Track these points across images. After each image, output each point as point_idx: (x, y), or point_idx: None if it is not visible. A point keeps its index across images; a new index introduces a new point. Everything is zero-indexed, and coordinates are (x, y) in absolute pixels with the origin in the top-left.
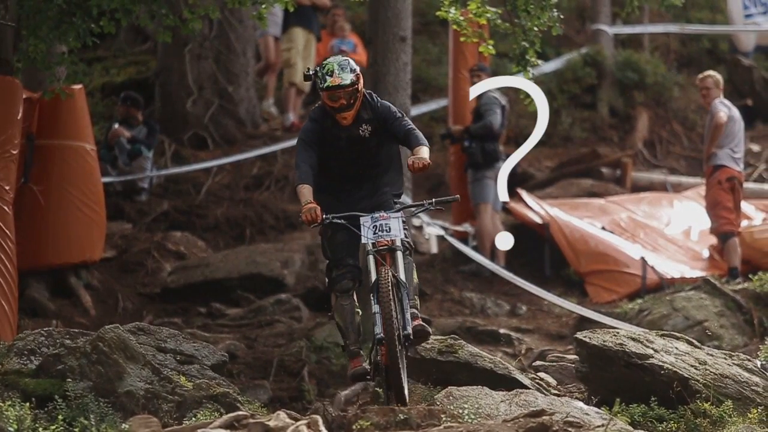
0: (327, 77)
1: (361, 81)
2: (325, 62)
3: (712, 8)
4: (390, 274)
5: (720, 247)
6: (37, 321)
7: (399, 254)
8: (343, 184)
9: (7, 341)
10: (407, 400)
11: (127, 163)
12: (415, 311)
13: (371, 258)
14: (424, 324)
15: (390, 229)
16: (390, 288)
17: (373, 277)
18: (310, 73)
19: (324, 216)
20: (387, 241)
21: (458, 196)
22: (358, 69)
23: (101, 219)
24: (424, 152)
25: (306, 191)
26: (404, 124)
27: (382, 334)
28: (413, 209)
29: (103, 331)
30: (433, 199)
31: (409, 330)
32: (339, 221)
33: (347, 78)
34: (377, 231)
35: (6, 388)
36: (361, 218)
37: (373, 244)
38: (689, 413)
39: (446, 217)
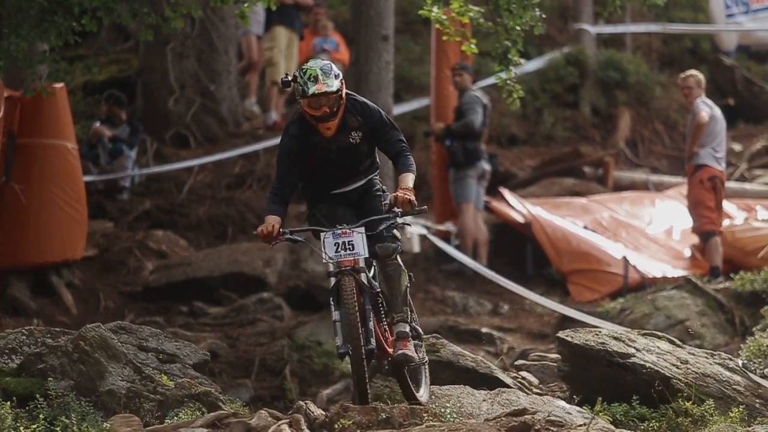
0: (310, 84)
1: (344, 86)
2: (305, 67)
3: (694, 8)
4: (353, 283)
5: (702, 247)
6: (18, 320)
7: (363, 276)
8: (334, 184)
9: None
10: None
11: (109, 162)
12: (403, 328)
13: (333, 282)
14: (407, 353)
15: (353, 246)
16: (354, 298)
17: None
18: (289, 78)
19: (281, 230)
20: (350, 260)
21: (426, 207)
22: (341, 74)
23: (83, 218)
24: (410, 181)
25: (271, 220)
26: (395, 139)
27: (344, 350)
28: (381, 222)
29: (85, 330)
30: (399, 210)
31: (372, 345)
32: (298, 238)
33: (333, 84)
34: (339, 249)
35: None
36: (321, 234)
37: (335, 264)
38: (671, 412)
39: (428, 216)
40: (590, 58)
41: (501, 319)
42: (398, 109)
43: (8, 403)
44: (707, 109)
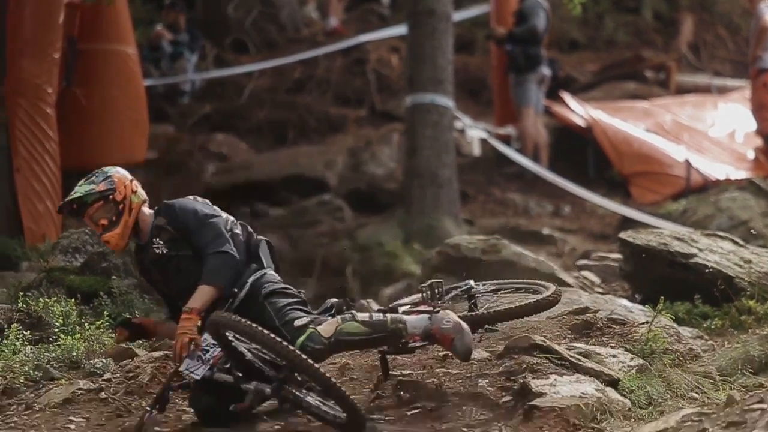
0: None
1: (124, 188)
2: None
3: None
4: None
5: (765, 149)
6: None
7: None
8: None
9: (52, 239)
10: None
11: (169, 65)
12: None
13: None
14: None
15: (211, 347)
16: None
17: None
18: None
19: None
20: (215, 355)
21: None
22: (116, 176)
23: (144, 120)
24: (200, 298)
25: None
26: (203, 242)
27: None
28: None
29: None
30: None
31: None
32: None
33: (81, 190)
34: (204, 359)
35: (52, 284)
36: (179, 370)
37: (211, 370)
38: (734, 310)
39: (489, 119)
40: None
41: (562, 221)
42: (458, 15)
43: (73, 300)
44: None
